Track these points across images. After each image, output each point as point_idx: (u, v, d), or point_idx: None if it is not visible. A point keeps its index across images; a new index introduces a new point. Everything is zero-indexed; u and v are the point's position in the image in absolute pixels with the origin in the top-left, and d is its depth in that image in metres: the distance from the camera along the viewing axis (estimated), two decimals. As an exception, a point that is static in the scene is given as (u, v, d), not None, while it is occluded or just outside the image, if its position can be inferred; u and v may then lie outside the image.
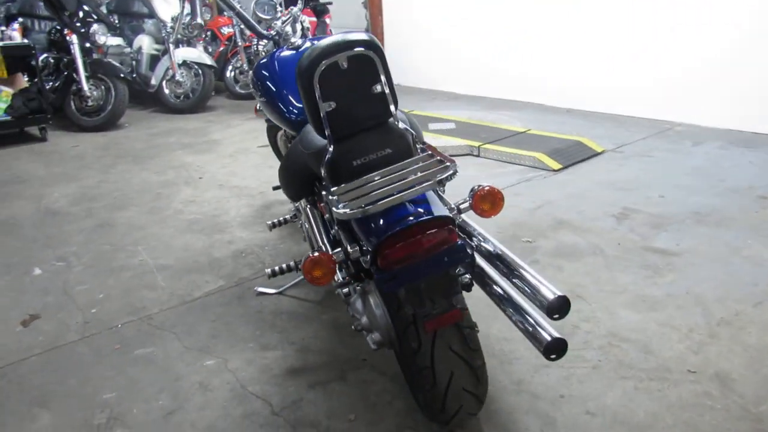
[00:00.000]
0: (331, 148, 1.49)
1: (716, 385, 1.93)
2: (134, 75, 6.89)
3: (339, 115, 1.46)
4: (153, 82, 6.72)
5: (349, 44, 1.41)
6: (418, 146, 1.57)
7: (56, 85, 6.18)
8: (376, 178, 1.44)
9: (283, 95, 2.28)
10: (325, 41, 1.41)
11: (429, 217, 1.37)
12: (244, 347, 2.29)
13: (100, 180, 4.51)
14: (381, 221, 1.40)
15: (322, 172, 1.50)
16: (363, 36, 1.43)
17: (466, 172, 4.21)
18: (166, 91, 6.75)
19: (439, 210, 1.43)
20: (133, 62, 6.97)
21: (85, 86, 6.05)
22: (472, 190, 1.58)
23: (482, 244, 1.92)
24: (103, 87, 6.19)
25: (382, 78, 1.45)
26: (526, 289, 1.67)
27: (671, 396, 1.90)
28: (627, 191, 3.67)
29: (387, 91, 1.46)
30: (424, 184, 1.35)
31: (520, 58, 6.33)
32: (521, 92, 6.42)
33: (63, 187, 4.38)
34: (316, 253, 1.40)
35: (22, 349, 2.37)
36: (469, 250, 1.42)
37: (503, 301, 1.72)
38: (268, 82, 2.35)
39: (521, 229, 3.19)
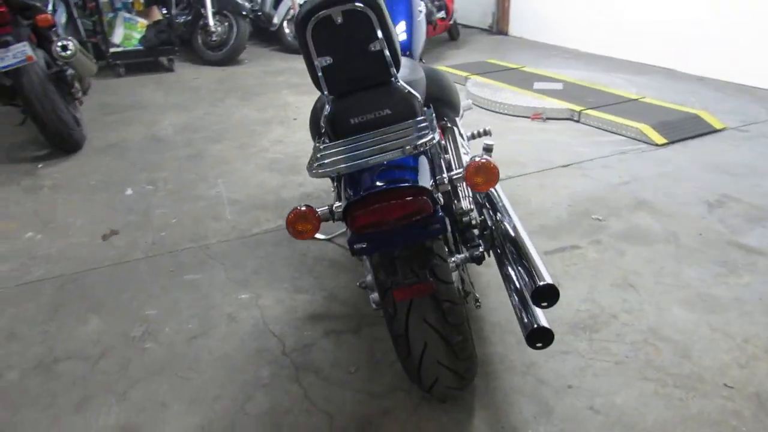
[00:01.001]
0: (328, 104, 1.48)
1: (752, 406, 1.73)
2: (259, 12, 7.14)
3: (336, 71, 1.43)
4: (275, 20, 6.94)
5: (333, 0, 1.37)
6: (423, 110, 1.51)
7: (187, 19, 6.59)
8: (362, 140, 1.41)
9: None
10: None
11: (400, 185, 1.33)
12: (279, 287, 2.40)
13: (206, 112, 4.81)
14: (358, 183, 1.38)
15: (322, 126, 1.49)
16: None
17: (559, 138, 3.97)
18: (287, 30, 6.95)
19: (423, 179, 1.38)
20: (259, 0, 7.22)
21: (211, 21, 6.39)
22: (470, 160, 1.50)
23: (503, 222, 1.83)
24: (227, 23, 6.50)
25: (380, 35, 1.40)
26: (522, 272, 1.58)
27: (693, 408, 1.73)
28: (734, 177, 3.28)
29: (386, 50, 1.40)
30: (390, 152, 1.30)
31: (651, 14, 5.74)
32: (650, 54, 5.85)
33: (174, 116, 4.73)
34: (303, 207, 1.41)
35: (96, 260, 2.65)
36: (439, 225, 1.37)
37: (507, 282, 1.65)
38: None
39: (595, 205, 2.98)
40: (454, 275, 1.69)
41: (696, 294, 2.26)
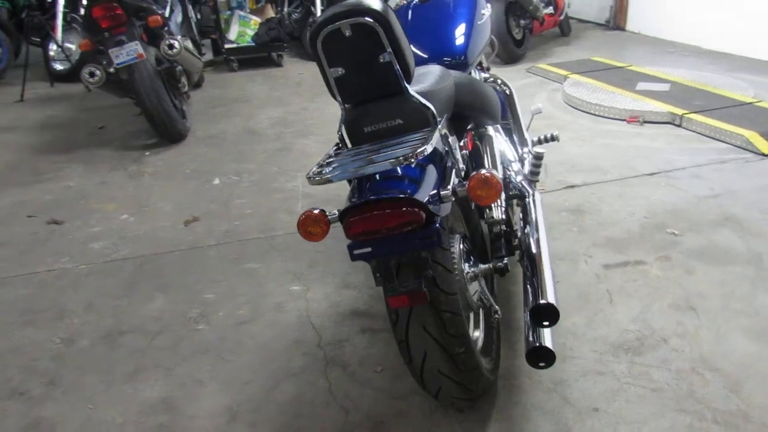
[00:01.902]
0: (343, 112, 1.52)
1: (801, 454, 1.56)
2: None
3: (348, 82, 1.47)
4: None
5: (350, 12, 1.39)
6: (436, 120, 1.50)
7: (298, 16, 6.89)
8: (369, 149, 1.44)
9: None
10: (332, 8, 1.42)
11: (394, 195, 1.34)
12: (330, 281, 2.49)
13: (302, 107, 5.03)
14: (359, 191, 1.41)
15: (338, 133, 1.54)
16: (368, 4, 1.39)
17: (652, 144, 3.72)
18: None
19: (426, 189, 1.38)
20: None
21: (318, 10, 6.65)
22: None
23: (529, 235, 1.79)
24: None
25: (388, 48, 1.41)
26: (529, 288, 1.54)
27: (728, 448, 1.59)
28: None
29: (395, 63, 1.41)
30: (380, 163, 1.32)
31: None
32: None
33: (272, 110, 4.99)
34: (316, 211, 1.47)
35: (174, 244, 2.90)
36: (434, 237, 1.36)
37: (524, 296, 1.61)
38: None
39: (674, 219, 2.78)
40: (473, 286, 1.68)
41: (765, 324, 2.05)
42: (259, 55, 6.74)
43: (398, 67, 1.42)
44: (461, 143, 1.70)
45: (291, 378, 1.96)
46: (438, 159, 1.52)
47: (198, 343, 2.16)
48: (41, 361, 2.12)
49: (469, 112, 1.85)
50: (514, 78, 5.43)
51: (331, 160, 1.45)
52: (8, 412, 1.90)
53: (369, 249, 1.40)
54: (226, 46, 6.56)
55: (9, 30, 7.08)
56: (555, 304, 1.44)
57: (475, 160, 1.94)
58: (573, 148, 3.74)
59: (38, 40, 6.58)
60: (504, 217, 1.87)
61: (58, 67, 6.36)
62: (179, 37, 4.14)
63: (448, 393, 1.57)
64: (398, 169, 1.42)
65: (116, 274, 2.66)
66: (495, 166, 1.91)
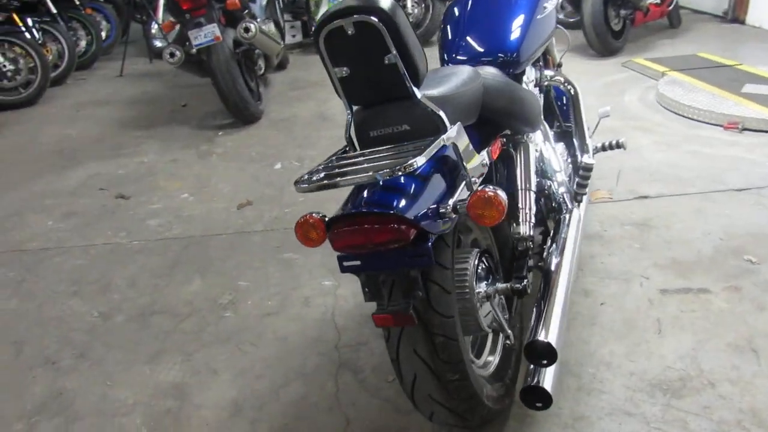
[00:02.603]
0: (349, 115, 1.43)
1: None
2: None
3: (353, 83, 1.38)
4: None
5: (354, 9, 1.29)
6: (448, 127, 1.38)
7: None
8: (370, 156, 1.34)
9: (445, 34, 2.17)
10: (337, 4, 1.32)
11: (379, 209, 1.24)
12: (363, 279, 2.43)
13: (378, 94, 4.97)
14: (351, 199, 1.32)
15: (346, 135, 1.46)
16: (374, 1, 1.28)
17: (749, 155, 3.33)
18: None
19: (419, 204, 1.27)
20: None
21: (409, 3, 6.54)
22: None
23: (552, 257, 1.63)
24: (423, 5, 6.59)
25: (392, 50, 1.30)
26: (533, 316, 1.39)
27: None
28: None
29: (400, 65, 1.30)
30: (362, 175, 1.22)
31: None
32: None
33: (347, 96, 4.96)
34: (316, 215, 1.40)
35: (223, 227, 2.95)
36: (425, 257, 1.25)
37: (530, 324, 1.48)
38: (446, 19, 2.25)
39: (755, 243, 2.47)
40: (485, 307, 1.55)
41: (843, 379, 1.77)
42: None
43: (404, 70, 1.31)
44: (485, 152, 1.56)
45: (302, 377, 1.92)
46: (447, 169, 1.40)
47: (221, 331, 2.18)
48: (77, 333, 2.22)
49: (502, 118, 1.70)
50: (607, 72, 5.07)
51: (327, 164, 1.37)
52: (37, 380, 2.00)
53: (358, 262, 1.32)
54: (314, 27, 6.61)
55: (120, 8, 7.54)
56: (553, 344, 1.30)
57: (507, 170, 1.79)
58: (655, 153, 3.43)
59: (142, 18, 6.95)
60: (531, 233, 1.72)
61: (158, 44, 6.68)
62: (257, 21, 4.20)
63: (441, 418, 1.47)
64: (401, 179, 1.32)
65: (164, 252, 2.75)
66: (527, 178, 1.76)
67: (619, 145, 2.55)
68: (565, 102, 2.53)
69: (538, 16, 2.18)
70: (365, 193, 1.30)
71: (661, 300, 2.16)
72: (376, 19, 1.26)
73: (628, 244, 2.54)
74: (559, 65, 2.88)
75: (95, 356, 2.10)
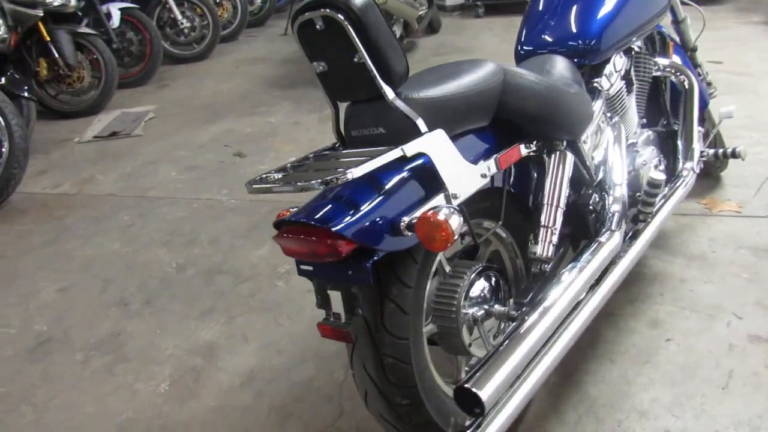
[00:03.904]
0: (333, 111, 1.36)
1: None
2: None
3: (332, 79, 1.29)
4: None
5: (320, 3, 1.18)
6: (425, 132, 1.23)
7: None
8: (338, 157, 1.27)
9: (524, 21, 1.96)
10: None
11: (313, 222, 1.16)
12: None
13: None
14: (305, 205, 1.25)
15: (333, 131, 1.38)
16: None
17: None
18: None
19: (370, 217, 1.16)
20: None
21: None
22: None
23: (549, 288, 1.43)
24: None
25: (359, 49, 1.18)
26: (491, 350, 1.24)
27: None
28: None
29: (369, 64, 1.18)
30: (303, 183, 1.13)
31: None
32: None
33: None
34: (294, 209, 1.37)
35: (312, 194, 3.03)
36: (363, 275, 1.15)
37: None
38: (529, 5, 2.03)
39: None
40: (466, 330, 1.41)
41: None
42: (510, 1, 6.38)
43: (374, 70, 1.20)
44: (491, 160, 1.38)
45: (316, 360, 1.94)
46: (425, 180, 1.27)
47: (268, 300, 2.27)
48: (153, 280, 2.47)
49: (528, 123, 1.50)
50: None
51: (295, 164, 1.32)
52: (108, 318, 2.27)
53: (311, 268, 1.27)
54: (475, -10, 6.36)
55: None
56: (484, 399, 1.14)
57: (537, 179, 1.58)
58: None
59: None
60: (549, 255, 1.51)
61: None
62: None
63: None
64: (363, 187, 1.24)
65: (252, 214, 2.91)
66: (557, 192, 1.53)
67: (735, 155, 2.14)
68: (678, 96, 2.16)
69: None
70: (318, 200, 1.24)
71: (744, 348, 1.80)
72: (341, 17, 1.17)
73: (734, 273, 2.13)
74: (693, 49, 2.46)
75: (158, 305, 2.32)
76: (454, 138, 1.35)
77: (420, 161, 1.25)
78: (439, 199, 1.26)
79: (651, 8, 1.94)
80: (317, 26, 1.21)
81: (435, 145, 1.24)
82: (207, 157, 3.63)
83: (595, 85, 1.84)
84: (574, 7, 1.86)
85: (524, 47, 1.90)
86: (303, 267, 1.29)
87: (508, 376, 1.22)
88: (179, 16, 5.69)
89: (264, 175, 1.28)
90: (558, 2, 1.90)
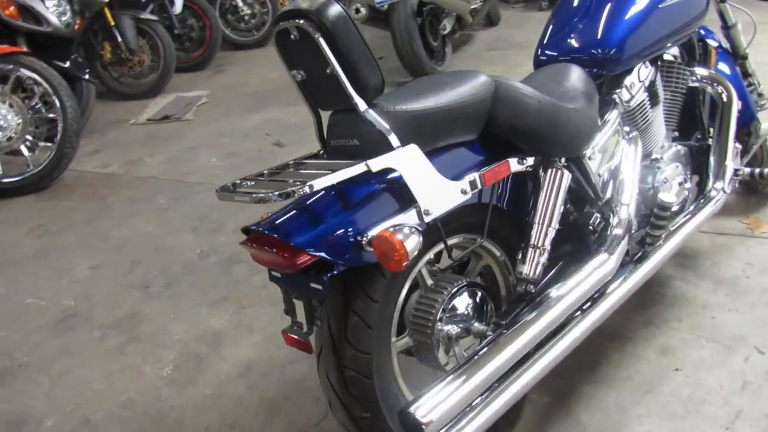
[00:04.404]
0: (314, 119, 1.35)
1: None
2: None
3: (310, 88, 1.28)
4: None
5: (294, 13, 1.17)
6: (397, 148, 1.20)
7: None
8: (308, 166, 1.26)
9: (546, 27, 1.89)
10: (289, 5, 1.21)
11: (272, 233, 1.16)
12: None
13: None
14: (274, 213, 1.25)
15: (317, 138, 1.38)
16: (313, 5, 1.14)
17: None
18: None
19: (334, 229, 1.15)
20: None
21: None
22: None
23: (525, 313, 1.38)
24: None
25: (331, 60, 1.16)
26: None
27: None
28: None
29: (341, 76, 1.17)
30: (257, 195, 1.13)
31: None
32: None
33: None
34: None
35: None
36: (321, 288, 1.14)
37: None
38: (554, 10, 1.95)
39: None
40: (442, 346, 1.38)
41: None
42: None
43: (346, 82, 1.19)
44: (474, 177, 1.33)
45: (310, 360, 1.92)
46: (398, 194, 1.25)
47: (277, 293, 2.27)
48: (176, 265, 2.55)
49: (519, 138, 1.43)
50: None
51: (273, 171, 1.33)
52: (129, 298, 2.37)
53: (279, 275, 1.29)
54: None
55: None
56: (424, 427, 1.11)
57: (532, 195, 1.52)
58: None
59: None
60: (536, 275, 1.45)
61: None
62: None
63: None
64: (330, 199, 1.23)
65: (278, 205, 2.94)
66: (549, 211, 1.47)
67: (763, 176, 1.98)
68: (716, 109, 2.03)
69: (664, 3, 1.75)
70: (286, 211, 1.24)
71: (760, 387, 1.68)
72: (312, 29, 1.16)
73: (766, 302, 1.99)
74: (744, 57, 2.29)
75: (177, 289, 2.40)
76: (435, 152, 1.32)
77: (394, 175, 1.23)
78: (410, 215, 1.23)
79: (684, 15, 1.82)
80: (291, 36, 1.21)
81: (406, 160, 1.22)
82: (247, 144, 3.71)
83: (612, 96, 1.75)
84: (598, 13, 1.76)
85: (543, 54, 1.83)
86: (273, 273, 1.30)
87: (458, 402, 1.19)
88: (240, 3, 5.82)
89: (238, 181, 1.29)
90: (582, 7, 1.82)
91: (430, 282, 1.43)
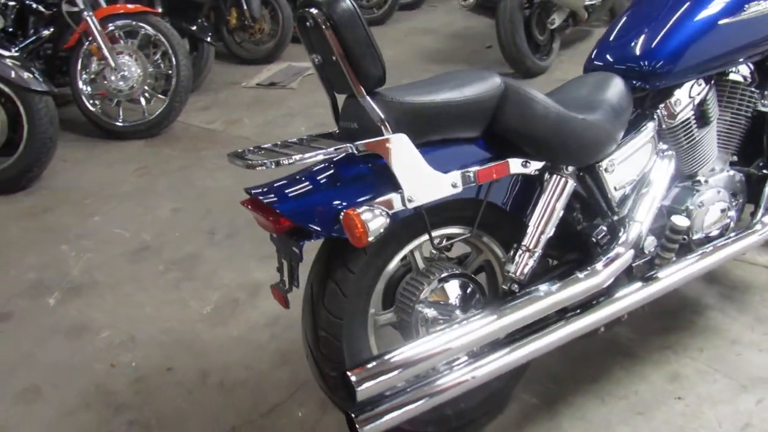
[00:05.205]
0: (330, 101, 1.47)
1: None
2: None
3: (326, 72, 1.39)
4: None
5: (307, 2, 1.26)
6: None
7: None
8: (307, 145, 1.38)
9: (606, 33, 1.87)
10: None
11: (261, 197, 1.29)
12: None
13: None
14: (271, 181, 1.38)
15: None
16: None
17: None
18: None
19: (314, 203, 1.27)
20: None
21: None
22: None
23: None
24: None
25: (334, 48, 1.25)
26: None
27: None
28: None
29: (344, 64, 1.25)
30: (251, 162, 1.26)
31: None
32: None
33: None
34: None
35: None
36: (298, 251, 1.28)
37: None
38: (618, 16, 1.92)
39: None
40: (422, 329, 1.47)
41: None
42: None
43: (347, 69, 1.29)
44: (468, 173, 1.38)
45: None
46: (386, 178, 1.34)
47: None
48: (241, 219, 2.73)
49: (522, 142, 1.46)
50: None
51: (284, 143, 1.46)
52: (195, 241, 2.65)
53: (274, 236, 1.43)
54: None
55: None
56: (356, 392, 1.22)
57: (536, 198, 1.54)
58: None
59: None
60: (522, 276, 1.49)
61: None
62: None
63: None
64: (332, 173, 1.36)
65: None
66: (545, 218, 1.48)
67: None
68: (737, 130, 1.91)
69: (726, 20, 1.68)
70: (282, 179, 1.38)
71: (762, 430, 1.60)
72: (320, 19, 1.27)
73: (804, 346, 1.86)
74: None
75: (236, 240, 2.64)
76: (433, 144, 1.39)
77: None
78: (392, 199, 1.32)
79: (748, 35, 1.71)
80: (307, 23, 1.33)
81: (392, 147, 1.30)
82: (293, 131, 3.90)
83: (652, 111, 1.71)
84: (650, 26, 1.72)
85: (593, 61, 1.81)
86: (272, 234, 1.45)
87: (395, 377, 1.28)
88: (364, -19, 6.02)
89: (252, 147, 1.45)
90: (637, 18, 1.78)
91: (422, 266, 1.52)
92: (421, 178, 1.34)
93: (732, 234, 1.79)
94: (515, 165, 1.46)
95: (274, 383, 1.88)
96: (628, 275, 1.61)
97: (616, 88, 1.63)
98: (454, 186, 1.39)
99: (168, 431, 1.74)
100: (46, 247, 2.68)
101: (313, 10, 1.29)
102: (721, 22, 1.66)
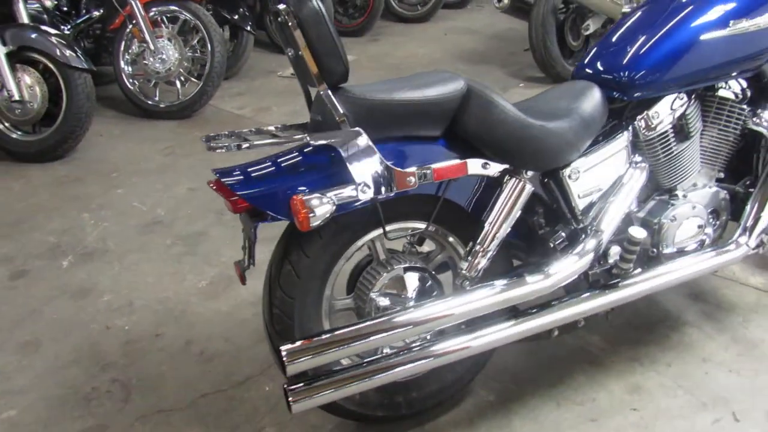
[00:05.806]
0: (303, 93, 1.54)
1: None
2: None
3: (297, 65, 1.46)
4: None
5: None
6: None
7: None
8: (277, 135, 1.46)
9: (603, 38, 1.88)
10: None
11: (221, 178, 1.37)
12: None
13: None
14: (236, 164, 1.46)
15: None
16: None
17: None
18: None
19: (271, 187, 1.35)
20: None
21: None
22: None
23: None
24: None
25: (298, 43, 1.33)
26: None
27: None
28: None
29: (308, 59, 1.33)
30: (213, 144, 1.35)
31: None
32: None
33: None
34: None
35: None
36: (252, 230, 1.37)
37: None
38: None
39: None
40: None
41: None
42: None
43: (310, 63, 1.37)
44: (425, 169, 1.43)
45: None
46: (342, 168, 1.41)
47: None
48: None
49: (481, 144, 1.50)
50: None
51: (261, 130, 1.55)
52: (204, 219, 2.78)
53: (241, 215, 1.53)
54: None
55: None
56: (285, 367, 1.30)
57: (494, 199, 1.58)
58: None
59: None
60: (472, 273, 1.53)
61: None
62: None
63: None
64: (294, 161, 1.44)
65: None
66: (500, 221, 1.52)
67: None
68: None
69: (708, 36, 1.67)
70: (247, 163, 1.46)
71: None
72: (288, 15, 1.35)
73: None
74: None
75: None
76: (391, 140, 1.46)
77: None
78: (346, 190, 1.39)
79: (739, 49, 1.70)
80: (279, 19, 1.42)
81: (347, 141, 1.37)
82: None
83: (628, 122, 1.72)
84: (636, 37, 1.73)
85: (579, 69, 1.83)
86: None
87: (324, 357, 1.35)
88: (410, -22, 6.07)
89: (226, 132, 1.54)
90: (627, 29, 1.79)
91: (383, 256, 1.59)
92: (375, 172, 1.41)
93: (706, 250, 1.78)
94: (474, 166, 1.51)
95: (250, 358, 1.99)
96: (587, 282, 1.64)
97: (590, 97, 1.65)
98: (410, 182, 1.45)
99: (145, 391, 1.87)
100: (69, 214, 2.87)
101: (282, 6, 1.37)
102: (703, 37, 1.66)
